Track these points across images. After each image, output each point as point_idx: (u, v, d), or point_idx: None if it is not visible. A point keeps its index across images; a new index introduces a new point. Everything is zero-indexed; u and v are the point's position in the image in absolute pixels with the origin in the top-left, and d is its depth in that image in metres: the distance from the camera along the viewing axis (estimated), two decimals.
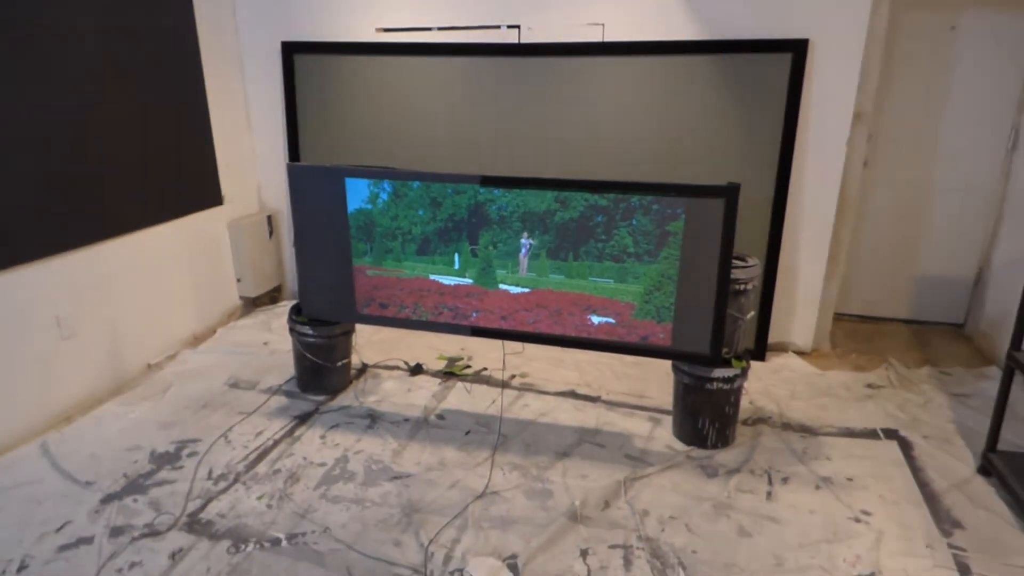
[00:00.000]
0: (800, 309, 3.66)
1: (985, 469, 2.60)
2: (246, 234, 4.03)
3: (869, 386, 3.35)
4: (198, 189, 3.75)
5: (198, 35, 3.61)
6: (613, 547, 2.24)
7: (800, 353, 3.71)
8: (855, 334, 3.96)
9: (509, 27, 3.56)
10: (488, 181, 2.67)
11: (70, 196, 2.96)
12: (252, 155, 4.20)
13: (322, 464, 2.69)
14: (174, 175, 3.55)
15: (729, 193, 2.45)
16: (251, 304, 4.27)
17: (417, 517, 2.39)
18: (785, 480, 2.60)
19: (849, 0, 3.13)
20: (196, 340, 3.81)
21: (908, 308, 4.07)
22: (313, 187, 2.88)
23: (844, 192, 3.44)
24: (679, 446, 2.84)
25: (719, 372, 2.69)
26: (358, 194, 2.83)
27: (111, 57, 3.11)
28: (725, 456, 2.76)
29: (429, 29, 3.67)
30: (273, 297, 4.44)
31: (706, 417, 2.77)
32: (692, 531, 2.32)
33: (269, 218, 4.25)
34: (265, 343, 3.80)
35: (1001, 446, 2.61)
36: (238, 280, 4.12)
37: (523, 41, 3.55)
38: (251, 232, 4.08)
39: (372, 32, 3.75)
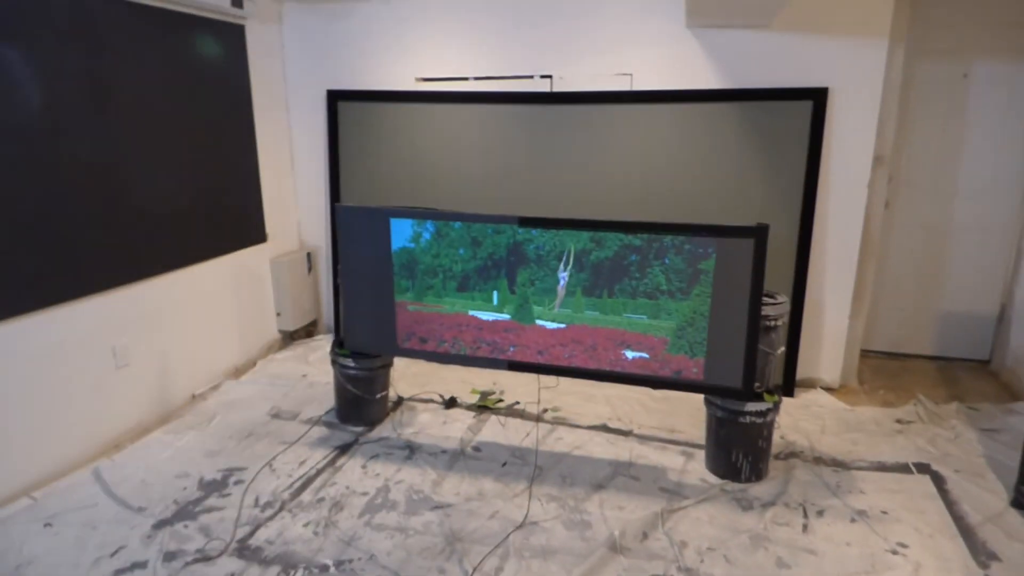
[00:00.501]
0: (827, 346, 3.73)
1: (1019, 502, 2.63)
2: (287, 270, 4.20)
3: (898, 421, 3.39)
4: (245, 227, 3.94)
5: (251, 85, 3.85)
6: None
7: (828, 389, 3.76)
8: (882, 370, 4.01)
9: (542, 77, 3.76)
10: (526, 222, 2.81)
11: (131, 233, 3.15)
12: (294, 195, 4.40)
13: (364, 493, 2.78)
14: (224, 214, 3.75)
15: (759, 233, 2.57)
16: (289, 338, 4.41)
17: (460, 546, 2.45)
18: (820, 513, 2.64)
19: (866, 50, 3.30)
20: (238, 372, 3.95)
21: (933, 345, 4.12)
22: (358, 226, 3.03)
23: (867, 232, 3.54)
24: (713, 479, 2.89)
25: (752, 406, 2.76)
26: (402, 233, 2.98)
27: (174, 104, 3.34)
28: (759, 489, 2.81)
29: (466, 79, 3.88)
30: (309, 331, 4.58)
31: (739, 450, 2.83)
32: (731, 562, 2.37)
33: (308, 255, 4.42)
34: (304, 375, 3.92)
35: None
36: (278, 314, 4.27)
37: (555, 90, 3.74)
38: (292, 268, 4.24)
39: (412, 81, 3.97)
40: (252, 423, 3.35)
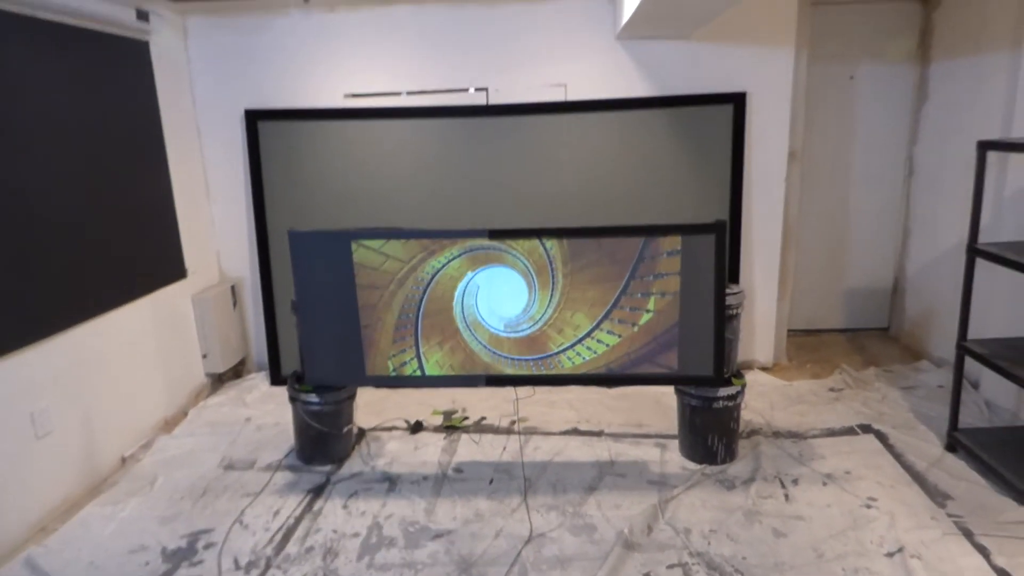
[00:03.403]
0: (759, 329, 4.03)
1: (951, 446, 2.99)
2: (211, 306, 3.86)
3: (831, 390, 3.73)
4: (162, 263, 3.57)
5: (159, 107, 3.51)
6: (671, 567, 2.35)
7: (764, 369, 4.07)
8: (804, 346, 4.40)
9: (477, 90, 3.76)
10: (496, 234, 2.80)
11: (41, 281, 2.75)
12: (211, 224, 4.05)
13: (356, 534, 2.61)
14: (139, 251, 3.38)
15: (718, 228, 2.74)
16: (218, 380, 4.05)
17: (475, 571, 2.38)
18: (795, 482, 2.85)
19: (776, 58, 3.63)
20: (168, 425, 3.56)
21: (842, 318, 4.59)
22: (315, 252, 2.86)
23: (786, 221, 3.89)
24: (692, 465, 3.02)
25: (723, 391, 2.93)
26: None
27: (77, 132, 2.97)
28: (736, 469, 2.98)
29: (398, 94, 3.79)
30: (237, 371, 4.23)
31: (715, 435, 2.98)
32: (734, 540, 2.49)
33: (232, 288, 4.09)
34: (247, 419, 3.61)
35: None
36: (204, 356, 3.91)
37: (491, 102, 3.76)
38: (216, 304, 3.90)
39: (340, 98, 3.81)
40: (204, 479, 3.03)
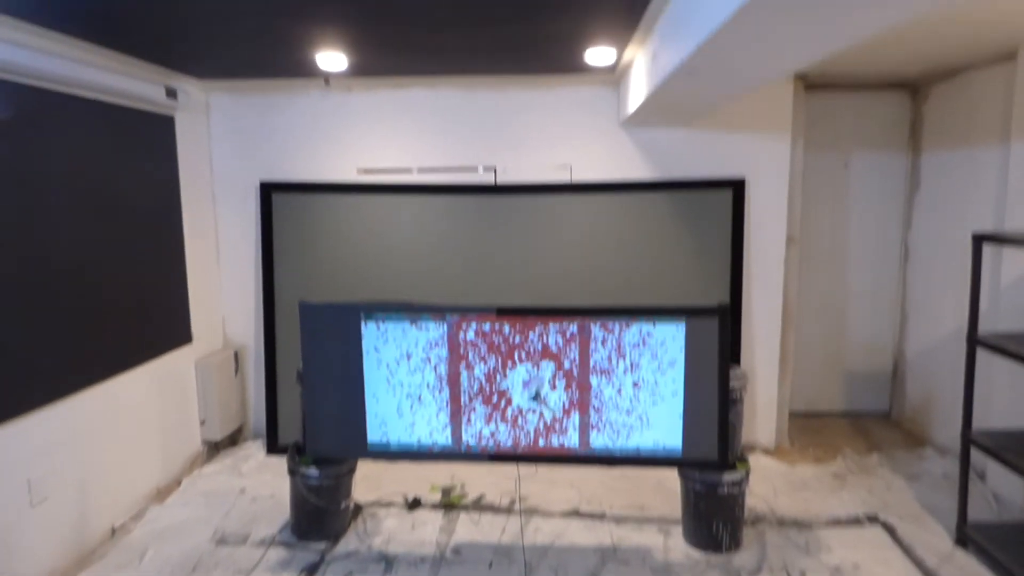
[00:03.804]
0: (761, 411, 4.02)
1: (962, 540, 2.93)
2: (214, 372, 3.85)
3: (835, 476, 3.68)
4: (169, 328, 3.60)
5: (179, 177, 3.63)
6: None
7: (767, 452, 4.03)
8: (805, 429, 4.36)
9: (486, 168, 3.90)
10: (504, 312, 2.84)
11: (52, 344, 2.77)
12: (219, 290, 4.11)
13: None
14: (149, 315, 3.41)
15: (721, 312, 2.78)
16: (214, 448, 3.99)
17: None
18: (803, 574, 2.78)
19: (773, 145, 3.79)
20: (161, 494, 3.49)
21: (842, 401, 4.58)
22: (324, 324, 2.89)
23: (786, 303, 3.94)
24: (696, 554, 2.95)
25: (728, 476, 2.89)
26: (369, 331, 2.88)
27: (103, 201, 3.07)
28: (742, 558, 2.90)
29: (410, 170, 3.92)
30: (233, 439, 4.18)
31: (719, 521, 2.93)
32: None
33: (235, 354, 4.09)
34: (242, 490, 3.54)
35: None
36: (202, 422, 3.87)
37: (499, 181, 3.89)
38: (219, 370, 3.90)
39: (353, 172, 3.94)
40: (195, 553, 2.95)
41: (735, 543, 2.96)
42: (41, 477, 2.71)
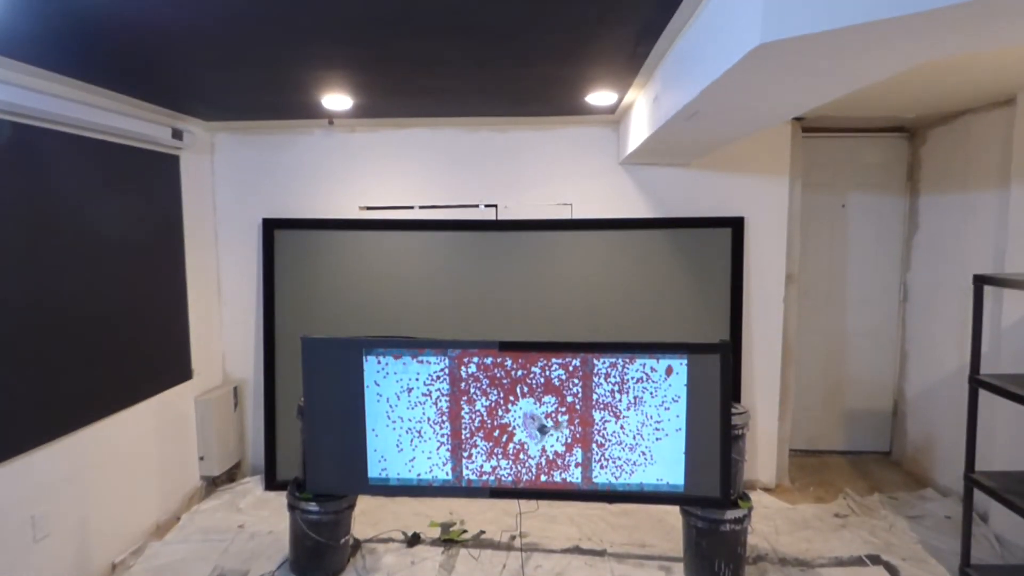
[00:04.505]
0: (761, 448, 4.02)
1: None
2: (214, 408, 3.86)
3: (836, 516, 3.66)
4: (171, 364, 3.62)
5: (183, 214, 3.69)
6: None
7: (767, 490, 4.01)
8: (805, 467, 4.35)
9: (487, 206, 3.97)
10: (506, 347, 2.87)
11: (58, 381, 2.79)
12: (219, 326, 4.13)
13: None
14: (151, 352, 3.43)
15: (723, 349, 2.81)
16: (211, 483, 3.97)
17: None
18: None
19: (772, 185, 3.86)
20: (160, 530, 3.46)
21: (842, 439, 4.57)
22: (325, 359, 2.92)
23: (786, 341, 3.97)
24: None
25: (730, 514, 2.88)
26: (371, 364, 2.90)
27: (109, 240, 3.12)
28: None
29: (411, 207, 3.99)
30: (231, 475, 4.15)
31: (721, 560, 2.91)
32: None
33: (235, 389, 4.10)
34: (240, 525, 3.51)
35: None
36: (201, 458, 3.86)
37: (500, 218, 3.95)
38: (218, 405, 3.90)
39: (356, 210, 4.01)
40: None
41: None
42: (44, 513, 2.70)
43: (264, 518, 3.62)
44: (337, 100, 3.28)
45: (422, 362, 2.88)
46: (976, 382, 2.88)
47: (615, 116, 3.73)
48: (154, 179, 3.48)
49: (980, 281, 2.88)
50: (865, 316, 4.46)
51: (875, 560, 3.18)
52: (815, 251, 4.42)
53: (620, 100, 3.31)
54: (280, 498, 3.74)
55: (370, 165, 4.02)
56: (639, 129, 3.22)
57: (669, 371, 2.80)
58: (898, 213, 4.40)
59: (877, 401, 4.52)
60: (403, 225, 3.97)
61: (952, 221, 3.90)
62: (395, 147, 4.00)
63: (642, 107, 3.13)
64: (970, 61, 2.71)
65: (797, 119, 3.91)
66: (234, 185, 4.08)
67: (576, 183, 3.95)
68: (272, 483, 4.00)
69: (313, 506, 3.00)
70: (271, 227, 4.01)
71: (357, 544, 3.33)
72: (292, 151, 4.03)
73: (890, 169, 4.39)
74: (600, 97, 3.24)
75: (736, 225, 3.86)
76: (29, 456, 2.63)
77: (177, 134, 3.55)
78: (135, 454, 3.32)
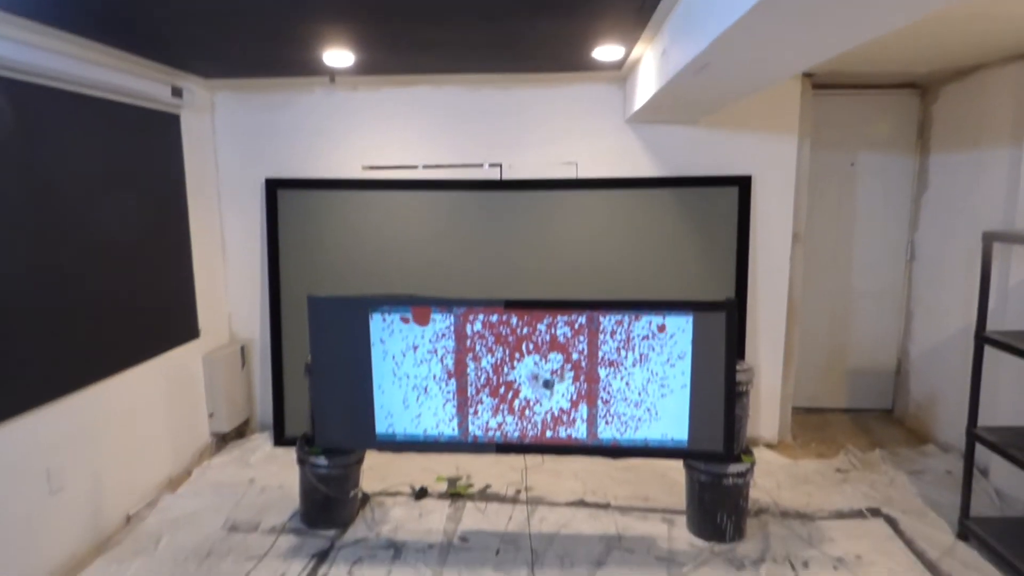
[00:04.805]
0: (764, 405, 4.05)
1: (964, 534, 2.96)
2: (221, 366, 3.90)
3: (838, 471, 3.72)
4: (178, 324, 3.65)
5: (185, 175, 3.67)
6: None
7: (769, 446, 4.06)
8: (807, 425, 4.40)
9: (491, 165, 3.94)
10: (512, 305, 2.88)
11: (67, 339, 2.82)
12: (224, 286, 4.15)
13: None
14: (158, 311, 3.46)
15: (728, 307, 2.82)
16: (221, 440, 4.04)
17: None
18: (806, 564, 2.81)
19: (780, 144, 3.81)
20: (173, 484, 3.54)
21: (845, 398, 4.61)
22: (332, 317, 2.93)
23: (791, 300, 3.97)
24: (700, 543, 2.99)
25: (734, 468, 2.93)
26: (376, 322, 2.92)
27: (112, 199, 3.11)
28: (745, 548, 2.94)
29: (415, 167, 3.96)
30: (241, 431, 4.23)
31: (724, 512, 2.97)
32: None
33: (242, 349, 4.14)
34: (251, 480, 3.59)
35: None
36: (210, 415, 3.92)
37: (504, 178, 3.92)
38: (226, 364, 3.95)
39: (359, 169, 3.98)
40: (208, 540, 3.00)
41: (739, 533, 3.00)
42: (58, 467, 2.76)
43: (274, 473, 3.69)
44: (339, 56, 3.22)
45: (427, 320, 2.89)
46: (982, 339, 2.89)
47: (622, 72, 3.67)
48: (155, 138, 3.45)
49: (990, 238, 2.86)
50: (871, 276, 4.45)
51: (875, 513, 3.24)
52: (822, 210, 4.38)
53: (627, 55, 3.25)
54: (288, 454, 3.81)
55: (373, 124, 3.97)
56: (647, 85, 3.17)
57: (662, 328, 2.80)
58: (908, 172, 4.35)
59: (880, 360, 4.54)
60: (407, 185, 3.94)
61: (963, 179, 3.86)
62: (398, 106, 3.95)
63: (650, 62, 3.08)
64: (984, 13, 2.64)
65: (807, 75, 3.83)
66: (236, 145, 4.04)
67: (581, 142, 3.90)
68: (280, 439, 4.07)
69: (322, 460, 3.05)
70: (274, 187, 4.00)
71: (366, 498, 3.40)
72: (294, 110, 3.98)
73: (900, 127, 4.32)
74: (607, 52, 3.18)
75: (743, 184, 3.82)
76: (42, 411, 2.67)
77: (177, 92, 3.51)
78: (146, 410, 3.37)
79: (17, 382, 2.56)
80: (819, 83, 3.99)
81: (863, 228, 4.41)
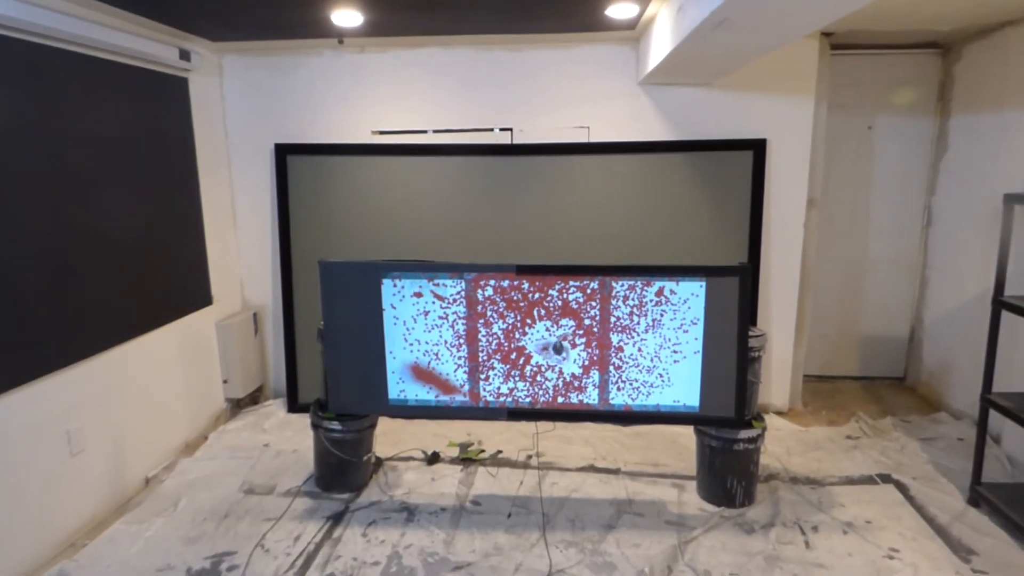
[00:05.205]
0: (776, 372, 4.05)
1: (975, 500, 2.97)
2: (235, 333, 3.93)
3: (848, 438, 3.72)
4: (191, 290, 3.66)
5: (194, 139, 3.64)
6: None
7: (780, 413, 4.06)
8: (818, 392, 4.39)
9: (502, 130, 3.88)
10: (524, 270, 2.86)
11: (84, 304, 2.84)
12: (236, 252, 4.16)
13: (376, 563, 2.62)
14: (171, 277, 3.47)
15: (742, 272, 2.79)
16: (236, 406, 4.09)
17: None
18: (815, 528, 2.83)
19: (796, 106, 3.73)
20: (190, 448, 3.60)
21: (857, 366, 4.59)
22: (344, 282, 2.93)
23: (804, 267, 3.93)
24: (710, 507, 3.02)
25: (744, 433, 2.94)
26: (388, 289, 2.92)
27: (123, 163, 3.10)
28: (755, 513, 2.96)
29: (425, 132, 3.91)
30: (255, 397, 4.28)
31: (734, 477, 2.98)
32: None
33: (255, 315, 4.16)
34: (266, 444, 3.64)
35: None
36: (225, 381, 3.96)
37: (515, 142, 3.87)
38: (239, 331, 3.97)
39: (368, 134, 3.93)
40: (226, 502, 3.06)
41: (749, 498, 3.02)
42: (79, 429, 2.81)
43: (288, 438, 3.74)
44: (347, 16, 3.16)
45: (438, 285, 2.89)
46: (999, 303, 2.85)
47: (635, 32, 3.58)
48: (164, 102, 3.42)
49: (1012, 200, 2.80)
50: (887, 242, 4.39)
51: (886, 479, 3.25)
52: (838, 175, 4.31)
53: (642, 13, 3.16)
54: (302, 420, 3.86)
55: (382, 88, 3.91)
56: (661, 44, 3.09)
57: (660, 292, 2.78)
58: (926, 135, 4.25)
59: (893, 328, 4.51)
60: (417, 150, 3.90)
61: (984, 142, 3.76)
62: (407, 69, 3.88)
63: (665, 20, 2.99)
64: None
65: (826, 34, 3.73)
66: (244, 109, 4.00)
67: (593, 105, 3.83)
68: (294, 405, 4.12)
69: (336, 425, 3.09)
70: (284, 152, 3.96)
71: (379, 462, 3.45)
72: (302, 73, 3.93)
73: (921, 88, 4.21)
74: (621, 9, 3.09)
75: (758, 148, 3.75)
76: (61, 374, 2.71)
77: (185, 55, 3.46)
78: (162, 376, 3.41)
79: (38, 346, 2.59)
80: (837, 43, 3.88)
81: (879, 193, 4.33)
